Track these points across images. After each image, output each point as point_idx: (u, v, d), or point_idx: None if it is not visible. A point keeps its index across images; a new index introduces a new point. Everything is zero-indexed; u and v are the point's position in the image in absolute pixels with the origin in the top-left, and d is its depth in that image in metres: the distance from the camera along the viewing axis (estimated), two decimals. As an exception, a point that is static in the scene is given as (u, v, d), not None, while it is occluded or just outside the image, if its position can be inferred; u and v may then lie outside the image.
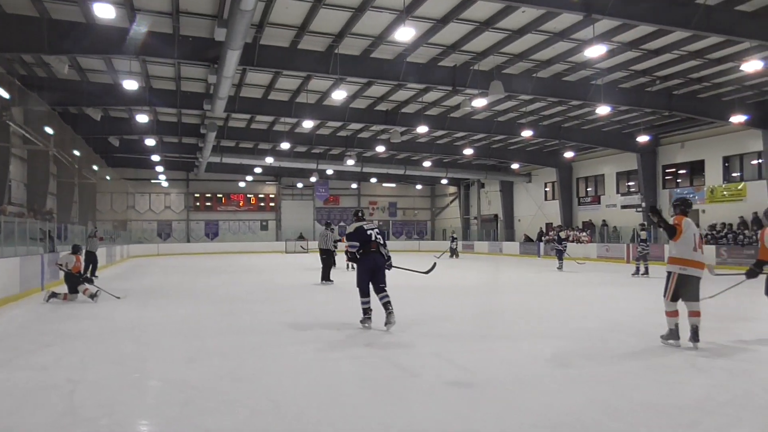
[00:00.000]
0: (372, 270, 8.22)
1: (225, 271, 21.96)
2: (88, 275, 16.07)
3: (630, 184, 29.75)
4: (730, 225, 22.81)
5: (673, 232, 6.89)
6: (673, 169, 27.08)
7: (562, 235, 23.02)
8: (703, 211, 25.08)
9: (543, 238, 33.35)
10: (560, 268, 20.93)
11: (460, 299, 12.42)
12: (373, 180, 44.73)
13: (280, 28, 15.08)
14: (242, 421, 4.32)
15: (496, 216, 40.84)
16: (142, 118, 22.47)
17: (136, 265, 26.27)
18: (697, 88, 19.96)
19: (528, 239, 34.73)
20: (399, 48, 16.37)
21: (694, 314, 6.86)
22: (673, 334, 6.94)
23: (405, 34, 13.08)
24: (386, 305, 8.09)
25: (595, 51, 14.08)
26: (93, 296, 11.50)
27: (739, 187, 23.57)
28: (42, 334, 8.20)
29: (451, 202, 47.09)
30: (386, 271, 8.33)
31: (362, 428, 4.17)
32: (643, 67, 17.88)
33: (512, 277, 18.65)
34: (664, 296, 7.05)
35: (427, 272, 10.46)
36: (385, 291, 8.19)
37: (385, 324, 8.01)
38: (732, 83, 19.20)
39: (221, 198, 43.32)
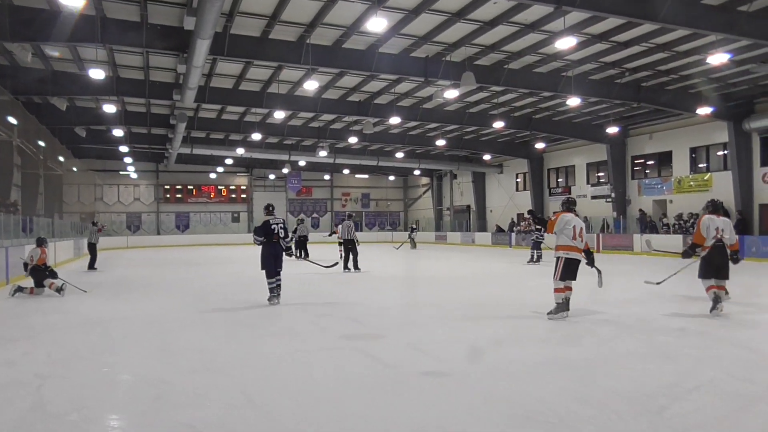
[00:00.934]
0: (274, 256, 9.92)
1: (196, 263, 21.74)
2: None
3: (600, 174, 30.15)
4: (697, 215, 23.27)
5: (544, 225, 9.16)
6: (642, 160, 27.51)
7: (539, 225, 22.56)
8: (671, 201, 25.57)
9: (514, 228, 33.68)
10: (537, 259, 19.37)
11: (433, 289, 12.48)
12: (346, 171, 44.61)
13: (251, 17, 14.88)
14: (215, 415, 4.28)
15: (468, 207, 41.09)
16: (109, 108, 22.03)
17: (105, 258, 25.79)
18: (665, 81, 20.27)
19: (499, 230, 35.03)
20: (371, 38, 16.28)
21: (569, 289, 8.37)
22: (561, 307, 8.18)
23: (377, 24, 13.03)
24: (278, 287, 9.97)
25: (566, 43, 14.19)
26: (59, 290, 11.30)
27: (706, 178, 24.06)
28: (8, 328, 8.03)
29: (424, 193, 47.24)
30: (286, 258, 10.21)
31: (337, 420, 4.17)
32: (612, 59, 18.07)
33: (484, 267, 18.79)
34: (554, 277, 8.34)
35: (328, 267, 10.80)
36: (280, 275, 10.01)
37: (269, 299, 9.89)
38: (698, 76, 19.51)
39: (192, 190, 42.74)
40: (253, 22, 15.20)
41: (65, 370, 5.60)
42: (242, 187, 44.19)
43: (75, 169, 35.12)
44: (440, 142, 30.35)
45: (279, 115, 23.82)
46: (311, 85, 18.53)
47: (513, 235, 32.85)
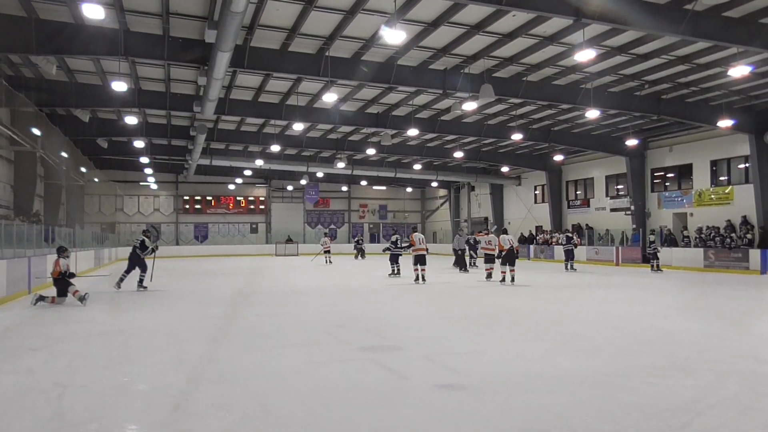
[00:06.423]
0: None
1: (214, 273, 21.87)
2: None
3: (619, 187, 29.88)
4: (717, 228, 22.97)
5: (410, 246, 16.79)
6: (662, 173, 27.23)
7: (569, 235, 23.33)
8: (691, 215, 25.25)
9: (535, 241, 33.52)
10: (570, 267, 22.24)
11: (451, 301, 12.43)
12: (364, 183, 44.69)
13: (271, 30, 15.03)
14: (231, 425, 4.29)
15: (486, 219, 40.92)
16: (131, 120, 22.32)
17: (125, 268, 26.01)
18: (685, 93, 20.10)
19: (521, 240, 34.88)
20: (390, 51, 16.37)
21: (423, 270, 16.29)
22: (417, 280, 16.14)
23: (396, 36, 13.08)
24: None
25: (585, 55, 14.11)
26: (82, 299, 11.41)
27: (727, 191, 23.75)
28: (29, 337, 8.12)
29: (442, 204, 47.14)
30: None
31: (353, 432, 4.16)
32: (631, 72, 17.97)
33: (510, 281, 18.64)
34: (413, 263, 16.49)
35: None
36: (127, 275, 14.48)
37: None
38: (719, 88, 19.34)
39: (211, 200, 43.07)
40: (273, 35, 15.35)
41: (85, 380, 5.65)
42: (261, 198, 44.45)
43: (96, 179, 35.62)
44: (458, 154, 30.31)
45: (298, 126, 23.97)
46: (330, 97, 18.64)
47: (531, 247, 32.70)
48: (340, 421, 4.36)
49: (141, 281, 14.59)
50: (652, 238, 21.72)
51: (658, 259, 21.40)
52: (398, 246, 19.07)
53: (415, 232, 17.25)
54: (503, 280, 15.79)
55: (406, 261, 18.74)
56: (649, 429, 4.13)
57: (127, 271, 14.58)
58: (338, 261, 29.87)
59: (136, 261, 14.51)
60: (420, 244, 16.54)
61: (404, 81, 17.68)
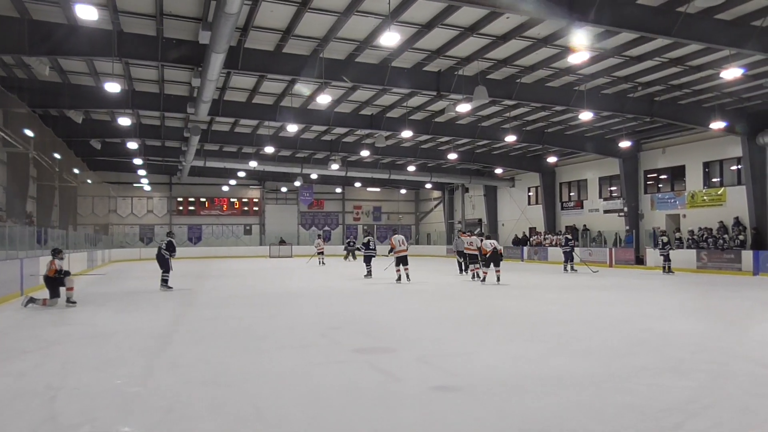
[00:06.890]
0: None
1: (208, 275, 21.80)
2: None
3: (612, 188, 30.01)
4: (710, 229, 23.08)
5: (392, 249, 17.09)
6: (655, 175, 27.36)
7: (569, 236, 23.54)
8: (684, 216, 25.36)
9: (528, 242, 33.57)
10: (570, 269, 22.59)
11: (443, 303, 12.43)
12: (358, 184, 44.67)
13: (265, 31, 15.01)
14: (225, 427, 4.28)
15: (480, 220, 40.99)
16: (124, 121, 22.24)
17: (118, 270, 25.97)
18: (678, 95, 20.18)
19: (516, 242, 34.93)
20: (384, 53, 16.37)
21: (407, 269, 17.19)
22: (398, 280, 16.90)
23: (390, 38, 13.07)
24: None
25: (578, 57, 14.16)
26: (69, 300, 11.39)
27: (719, 192, 23.88)
28: (20, 339, 8.07)
29: (436, 206, 47.17)
30: None
31: (348, 434, 4.14)
32: (625, 74, 18.04)
33: (495, 281, 18.67)
34: (394, 264, 17.19)
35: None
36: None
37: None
38: (712, 90, 19.43)
39: (204, 202, 42.96)
40: (267, 36, 15.33)
41: (77, 382, 5.62)
42: (254, 200, 44.36)
43: (89, 181, 35.44)
44: (452, 156, 30.34)
45: (292, 128, 23.95)
46: (324, 99, 18.62)
47: (525, 248, 32.77)
48: (335, 422, 4.35)
49: (165, 281, 15.32)
50: (665, 239, 21.59)
51: (670, 261, 21.14)
52: (369, 248, 19.97)
53: (395, 234, 17.68)
54: (483, 280, 16.71)
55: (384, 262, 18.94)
56: (645, 430, 4.13)
57: (166, 271, 15.28)
58: (332, 263, 29.89)
59: (163, 261, 15.21)
60: (401, 246, 17.08)
61: (398, 83, 17.69)
